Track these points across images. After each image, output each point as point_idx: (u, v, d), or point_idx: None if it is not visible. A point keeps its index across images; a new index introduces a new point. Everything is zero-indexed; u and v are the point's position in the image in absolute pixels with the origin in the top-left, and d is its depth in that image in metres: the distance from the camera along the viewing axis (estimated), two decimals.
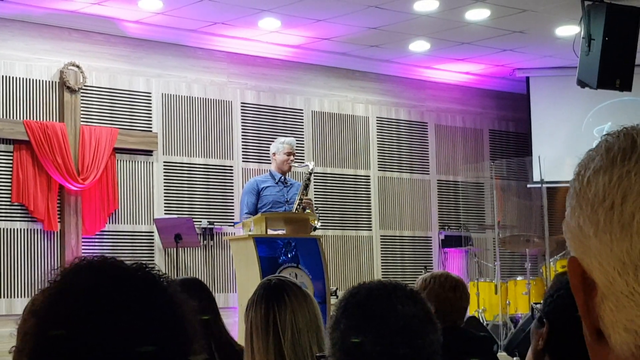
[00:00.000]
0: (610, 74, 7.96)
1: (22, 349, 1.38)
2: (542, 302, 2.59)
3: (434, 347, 2.22)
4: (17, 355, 1.41)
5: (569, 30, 10.36)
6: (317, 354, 2.84)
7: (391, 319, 2.17)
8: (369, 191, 11.90)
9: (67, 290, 1.38)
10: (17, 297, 9.16)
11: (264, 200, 8.86)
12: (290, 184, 9.00)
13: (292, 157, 9.01)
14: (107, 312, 1.34)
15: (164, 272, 1.46)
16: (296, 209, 8.63)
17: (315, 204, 11.30)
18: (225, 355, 3.79)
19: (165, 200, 10.18)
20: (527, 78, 12.63)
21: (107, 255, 1.46)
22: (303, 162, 9.16)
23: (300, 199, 8.65)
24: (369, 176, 11.92)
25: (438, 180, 12.61)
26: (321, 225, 8.97)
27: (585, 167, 0.99)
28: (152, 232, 9.99)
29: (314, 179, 11.42)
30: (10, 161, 9.28)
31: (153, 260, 9.91)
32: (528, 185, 12.59)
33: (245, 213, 8.87)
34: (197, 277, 4.45)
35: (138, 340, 1.33)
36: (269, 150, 11.07)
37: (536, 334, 2.53)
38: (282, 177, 8.95)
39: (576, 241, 0.99)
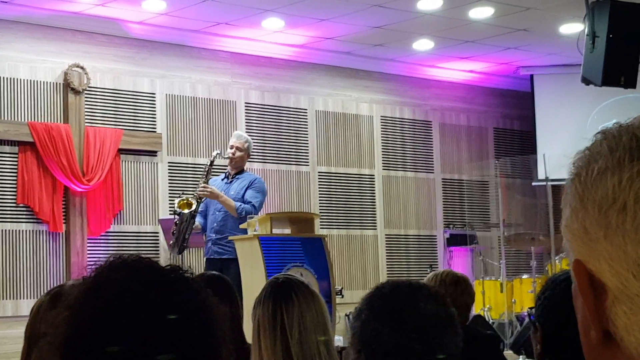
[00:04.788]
0: (614, 71, 7.94)
1: (53, 342, 1.40)
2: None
3: (451, 349, 2.22)
4: (48, 346, 1.42)
5: (573, 28, 10.35)
6: (339, 347, 2.88)
7: (411, 315, 2.19)
8: (374, 190, 11.90)
9: (102, 286, 1.39)
10: (23, 298, 9.17)
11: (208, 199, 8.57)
12: (237, 178, 8.51)
13: (232, 150, 8.50)
14: (139, 310, 1.35)
15: (196, 274, 1.47)
16: (194, 196, 8.27)
17: (319, 203, 11.30)
18: (238, 356, 3.79)
19: (170, 200, 10.17)
20: (532, 76, 12.62)
21: (142, 255, 1.48)
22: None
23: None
24: (373, 175, 11.92)
25: (443, 178, 12.60)
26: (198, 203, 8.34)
27: (587, 168, 0.98)
28: (157, 232, 9.99)
29: (319, 178, 11.42)
30: (15, 163, 9.29)
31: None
32: (533, 184, 12.58)
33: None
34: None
35: (167, 339, 1.34)
36: (273, 150, 11.09)
37: (534, 339, 2.53)
38: (229, 173, 8.52)
39: (580, 243, 0.97)
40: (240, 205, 8.27)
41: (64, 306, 1.41)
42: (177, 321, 1.35)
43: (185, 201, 8.30)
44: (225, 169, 8.74)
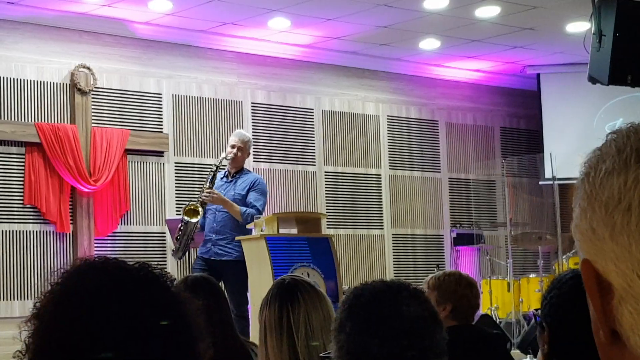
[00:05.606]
0: (621, 70, 7.92)
1: (25, 352, 1.38)
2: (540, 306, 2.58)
3: (441, 346, 2.20)
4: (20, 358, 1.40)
5: (580, 27, 10.34)
6: (321, 354, 2.83)
7: (397, 321, 2.14)
8: (380, 190, 11.89)
9: (70, 293, 1.37)
10: (30, 299, 9.18)
11: None
12: (238, 177, 8.42)
13: (234, 150, 8.38)
14: (110, 314, 1.33)
15: (167, 271, 1.46)
16: (198, 200, 8.16)
17: (326, 203, 11.30)
18: (232, 353, 3.80)
19: (176, 201, 10.19)
20: (538, 75, 12.61)
21: (108, 256, 1.46)
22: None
23: (202, 192, 8.19)
24: (380, 175, 11.91)
25: (449, 178, 12.60)
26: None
27: (596, 168, 0.98)
28: (164, 233, 10.00)
29: (325, 178, 11.42)
30: (22, 163, 9.30)
31: (165, 261, 9.92)
32: (540, 183, 12.57)
33: None
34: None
35: (143, 340, 1.32)
36: (280, 150, 11.09)
37: (541, 340, 2.52)
38: (229, 172, 8.41)
39: (588, 243, 0.98)
40: (246, 210, 8.23)
41: (33, 316, 1.39)
42: (150, 319, 1.34)
43: (191, 207, 8.19)
44: (223, 167, 8.69)
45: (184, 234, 8.26)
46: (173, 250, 8.49)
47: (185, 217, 8.20)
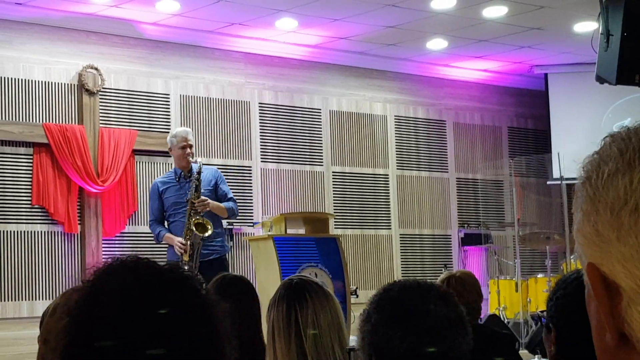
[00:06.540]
0: (629, 70, 7.90)
1: (55, 348, 1.39)
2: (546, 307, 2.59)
3: (463, 349, 2.22)
4: (50, 353, 1.41)
5: (587, 26, 10.32)
6: (348, 347, 2.86)
7: (421, 318, 2.18)
8: (388, 190, 11.89)
9: (101, 291, 1.38)
10: (39, 299, 9.20)
11: (165, 204, 8.03)
12: (194, 174, 7.93)
13: (188, 150, 7.98)
14: (140, 313, 1.34)
15: (196, 273, 1.47)
16: (189, 214, 7.79)
17: (334, 203, 11.29)
18: (258, 355, 3.80)
19: None
20: (546, 75, 12.60)
21: (140, 255, 1.47)
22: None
23: (192, 203, 7.79)
24: (387, 175, 11.91)
25: (457, 178, 12.58)
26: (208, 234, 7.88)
27: (597, 171, 0.98)
28: None
29: (333, 178, 11.41)
30: (30, 164, 9.32)
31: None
32: (548, 182, 12.55)
33: (151, 220, 8.15)
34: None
35: (170, 341, 1.33)
36: (287, 150, 11.08)
37: (547, 341, 2.53)
38: (183, 173, 7.98)
39: (593, 247, 0.97)
40: (228, 205, 7.96)
41: (64, 312, 1.41)
42: (179, 320, 1.35)
43: (199, 222, 7.89)
44: (165, 168, 8.23)
45: (194, 251, 7.97)
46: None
47: (204, 235, 7.89)
